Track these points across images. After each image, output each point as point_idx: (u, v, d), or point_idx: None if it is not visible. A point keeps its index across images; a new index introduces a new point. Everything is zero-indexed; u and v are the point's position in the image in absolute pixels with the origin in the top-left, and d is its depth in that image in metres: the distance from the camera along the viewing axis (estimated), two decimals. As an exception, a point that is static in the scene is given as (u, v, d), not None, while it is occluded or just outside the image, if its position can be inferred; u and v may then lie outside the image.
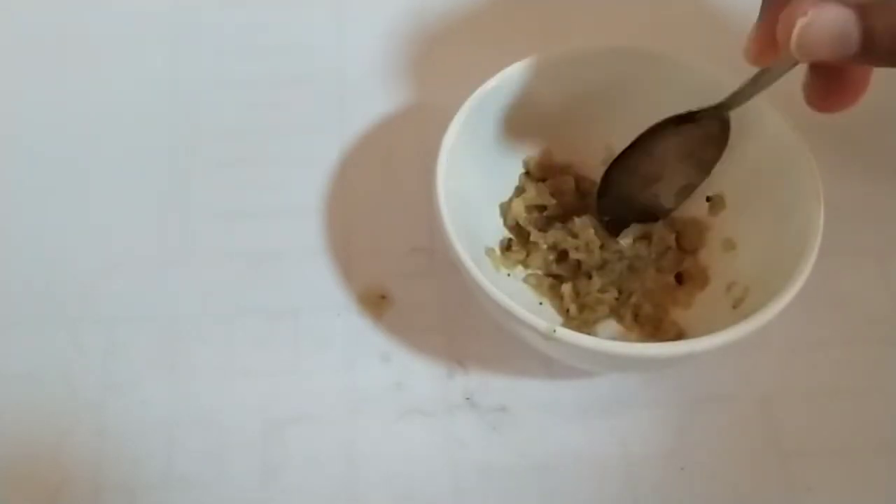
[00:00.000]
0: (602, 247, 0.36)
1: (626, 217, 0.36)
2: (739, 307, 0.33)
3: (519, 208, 0.36)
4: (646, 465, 0.33)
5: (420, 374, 0.35)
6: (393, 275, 0.37)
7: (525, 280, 0.36)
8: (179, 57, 0.44)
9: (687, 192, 0.36)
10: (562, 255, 0.36)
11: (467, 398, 0.35)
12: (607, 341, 0.29)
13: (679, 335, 0.34)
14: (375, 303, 0.37)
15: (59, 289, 0.37)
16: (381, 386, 0.35)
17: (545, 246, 0.36)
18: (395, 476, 0.33)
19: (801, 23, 0.24)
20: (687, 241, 0.36)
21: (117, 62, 0.44)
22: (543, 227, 0.36)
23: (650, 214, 0.36)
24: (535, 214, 0.37)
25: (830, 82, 0.27)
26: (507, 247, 0.37)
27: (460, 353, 0.36)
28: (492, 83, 0.34)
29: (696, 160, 0.34)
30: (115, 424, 0.34)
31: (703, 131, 0.33)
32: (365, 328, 0.36)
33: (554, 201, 0.37)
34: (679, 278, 0.36)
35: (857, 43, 0.23)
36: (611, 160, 0.35)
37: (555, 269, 0.36)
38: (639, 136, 0.34)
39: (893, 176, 0.40)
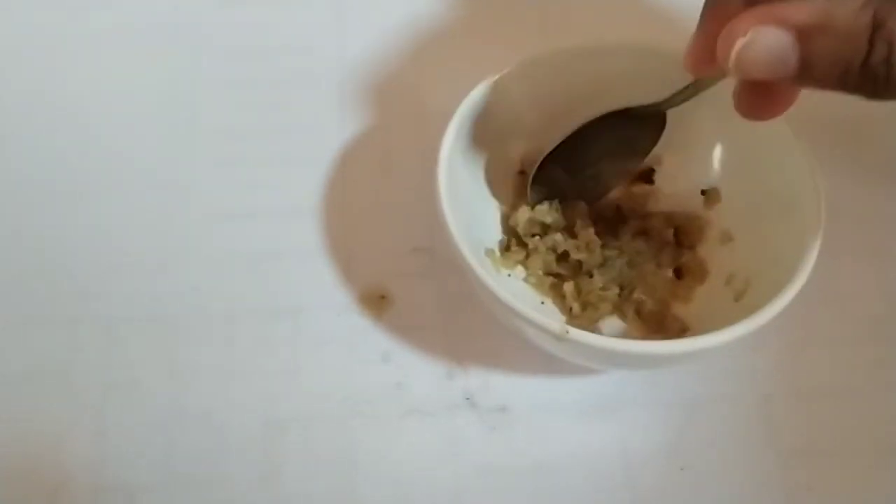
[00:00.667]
0: (602, 245, 0.36)
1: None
2: (742, 300, 0.33)
3: (523, 218, 0.36)
4: (646, 465, 0.33)
5: (420, 374, 0.35)
6: (393, 275, 0.37)
7: (525, 280, 0.36)
8: (179, 57, 0.44)
9: (621, 177, 0.37)
10: (562, 255, 0.36)
11: (467, 398, 0.35)
12: (622, 340, 0.29)
13: (682, 330, 0.34)
14: (375, 303, 0.37)
15: (59, 289, 0.37)
16: (381, 386, 0.35)
17: (544, 248, 0.36)
18: (395, 476, 0.33)
19: (739, 43, 0.24)
20: (684, 236, 0.36)
21: (117, 62, 0.44)
22: (543, 232, 0.36)
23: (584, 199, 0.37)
24: (537, 227, 0.36)
25: (760, 93, 0.28)
26: (506, 247, 0.37)
27: (460, 353, 0.36)
28: (489, 83, 0.34)
29: (630, 147, 0.36)
30: (115, 424, 0.34)
31: (639, 121, 0.34)
32: (365, 328, 0.36)
33: (563, 223, 0.37)
34: (678, 273, 0.36)
35: (794, 66, 0.23)
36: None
37: (555, 268, 0.36)
38: (576, 128, 0.35)
39: (893, 176, 0.40)
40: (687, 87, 0.32)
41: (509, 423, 0.34)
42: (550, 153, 0.35)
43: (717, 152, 0.37)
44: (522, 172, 0.38)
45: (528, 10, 0.45)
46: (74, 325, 0.36)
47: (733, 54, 0.24)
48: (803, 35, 0.23)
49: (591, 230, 0.36)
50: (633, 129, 0.35)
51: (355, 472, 0.33)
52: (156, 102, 0.42)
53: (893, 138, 0.41)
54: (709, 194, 0.37)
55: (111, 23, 0.45)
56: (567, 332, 0.29)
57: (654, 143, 0.35)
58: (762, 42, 0.23)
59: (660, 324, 0.35)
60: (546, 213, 0.36)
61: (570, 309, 0.35)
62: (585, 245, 0.35)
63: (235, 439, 0.34)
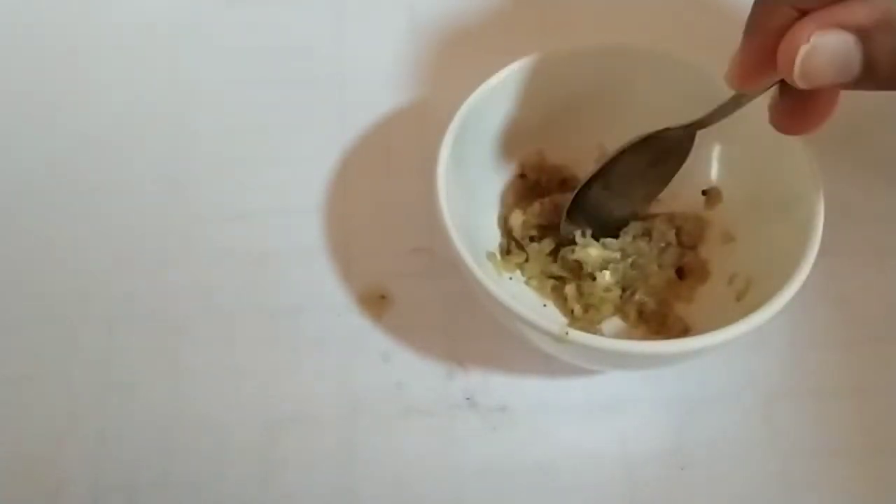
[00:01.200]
0: (604, 247, 0.36)
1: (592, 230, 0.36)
2: (743, 299, 0.33)
3: (517, 222, 0.36)
4: (646, 465, 0.33)
5: (420, 374, 0.35)
6: (393, 275, 0.37)
7: (527, 283, 0.36)
8: (180, 57, 0.44)
9: (647, 201, 0.36)
10: (561, 257, 0.36)
11: (467, 398, 0.35)
12: (622, 341, 0.29)
13: (684, 330, 0.34)
14: (375, 303, 0.37)
15: (60, 289, 0.37)
16: (381, 386, 0.35)
17: (542, 251, 0.36)
18: (395, 476, 0.33)
19: (804, 50, 0.23)
20: (686, 237, 0.36)
21: (118, 62, 0.44)
22: (540, 236, 0.36)
23: (612, 228, 0.36)
24: (533, 231, 0.36)
25: (799, 104, 0.27)
26: (506, 251, 0.36)
27: (460, 353, 0.36)
28: (488, 85, 0.34)
29: (658, 171, 0.34)
30: (115, 424, 0.34)
31: (668, 144, 0.33)
32: (365, 328, 0.36)
33: (548, 221, 0.36)
34: (680, 273, 0.36)
35: (858, 68, 0.23)
36: (602, 160, 0.35)
37: (555, 271, 0.36)
38: (608, 159, 0.34)
39: (893, 176, 0.40)
40: (725, 105, 0.30)
41: (509, 423, 0.34)
42: (581, 189, 0.34)
43: (717, 152, 0.37)
44: (523, 175, 0.38)
45: (528, 10, 0.45)
46: (74, 326, 0.36)
47: (798, 62, 0.23)
48: (865, 35, 0.23)
49: (589, 231, 0.36)
50: (660, 152, 0.33)
51: (355, 472, 0.33)
52: (156, 102, 0.42)
53: (893, 138, 0.41)
54: (710, 195, 0.37)
55: (112, 23, 0.45)
56: (566, 333, 0.29)
57: (682, 162, 0.34)
58: (826, 46, 0.23)
59: (662, 324, 0.35)
60: (540, 214, 0.36)
61: (572, 311, 0.35)
62: (583, 246, 0.35)
63: (235, 439, 0.34)
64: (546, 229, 0.36)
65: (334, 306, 0.37)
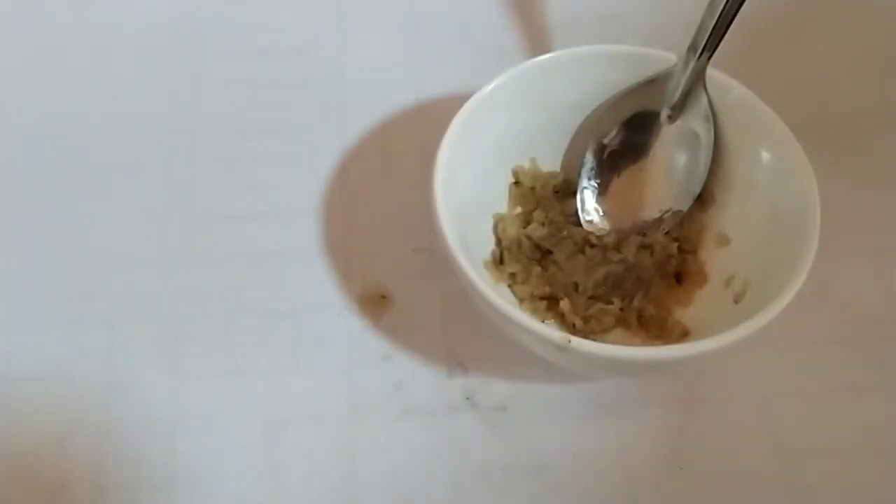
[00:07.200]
0: (607, 261, 0.35)
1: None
2: (741, 301, 0.33)
3: (512, 232, 0.36)
4: (646, 465, 0.33)
5: (420, 374, 0.35)
6: (393, 275, 0.37)
7: (521, 307, 0.35)
8: (180, 58, 0.44)
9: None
10: (552, 275, 0.36)
11: (467, 398, 0.35)
12: (626, 348, 0.28)
13: (684, 334, 0.34)
14: (375, 303, 0.37)
15: (60, 289, 0.37)
16: (381, 386, 0.35)
17: (532, 276, 0.35)
18: (394, 476, 0.33)
19: None
20: (684, 241, 0.36)
21: (117, 62, 0.44)
22: (530, 250, 0.36)
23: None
24: (526, 241, 0.36)
25: None
26: (499, 260, 0.36)
27: (460, 353, 0.36)
28: (486, 90, 0.34)
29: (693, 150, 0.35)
30: (116, 424, 0.34)
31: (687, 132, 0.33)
32: (365, 328, 0.36)
33: (545, 231, 0.36)
34: (678, 277, 0.36)
35: None
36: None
37: (548, 290, 0.35)
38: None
39: (893, 176, 0.40)
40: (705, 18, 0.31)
41: (509, 423, 0.34)
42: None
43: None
44: (517, 183, 0.37)
45: (530, 12, 0.45)
46: (76, 326, 0.36)
47: None
48: None
49: (579, 256, 0.35)
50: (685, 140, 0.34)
51: (355, 472, 0.33)
52: (156, 103, 0.42)
53: (890, 137, 0.41)
54: (703, 197, 0.36)
55: (111, 23, 0.45)
56: (569, 341, 0.28)
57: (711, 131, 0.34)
58: None
59: (661, 329, 0.35)
60: (538, 228, 0.36)
61: (574, 325, 0.35)
62: (581, 270, 0.35)
63: (235, 439, 0.34)
64: (539, 247, 0.36)
65: (334, 306, 0.37)
